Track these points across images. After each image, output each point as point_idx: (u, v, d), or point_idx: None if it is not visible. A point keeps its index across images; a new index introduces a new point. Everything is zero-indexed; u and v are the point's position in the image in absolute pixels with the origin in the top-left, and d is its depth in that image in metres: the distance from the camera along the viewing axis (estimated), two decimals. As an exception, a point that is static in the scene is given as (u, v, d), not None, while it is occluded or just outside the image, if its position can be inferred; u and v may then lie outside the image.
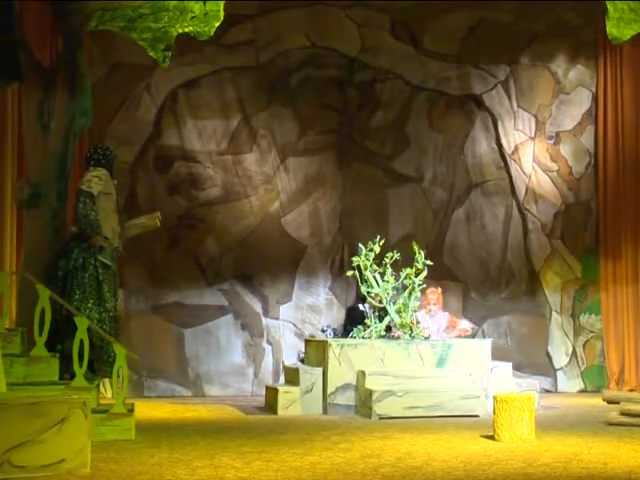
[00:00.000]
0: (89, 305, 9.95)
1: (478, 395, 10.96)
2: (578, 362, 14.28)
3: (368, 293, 11.80)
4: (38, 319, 9.33)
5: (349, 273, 11.95)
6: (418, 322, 11.78)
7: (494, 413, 8.95)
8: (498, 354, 12.42)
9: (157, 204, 13.29)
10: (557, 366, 14.23)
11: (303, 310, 13.85)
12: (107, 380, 11.23)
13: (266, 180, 13.93)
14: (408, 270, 11.76)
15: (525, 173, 14.48)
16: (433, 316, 12.06)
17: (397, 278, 11.77)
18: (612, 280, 14.07)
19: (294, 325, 13.79)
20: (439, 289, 12.41)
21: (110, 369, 9.61)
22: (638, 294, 13.84)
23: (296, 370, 11.50)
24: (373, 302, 11.75)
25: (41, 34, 11.13)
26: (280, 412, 11.11)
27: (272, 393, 11.52)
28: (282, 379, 12.81)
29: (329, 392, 11.14)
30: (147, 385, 13.28)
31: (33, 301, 9.50)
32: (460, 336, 11.94)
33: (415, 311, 11.88)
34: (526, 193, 14.44)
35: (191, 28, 11.04)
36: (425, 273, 11.78)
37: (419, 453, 8.16)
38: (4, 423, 7.00)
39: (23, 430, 7.03)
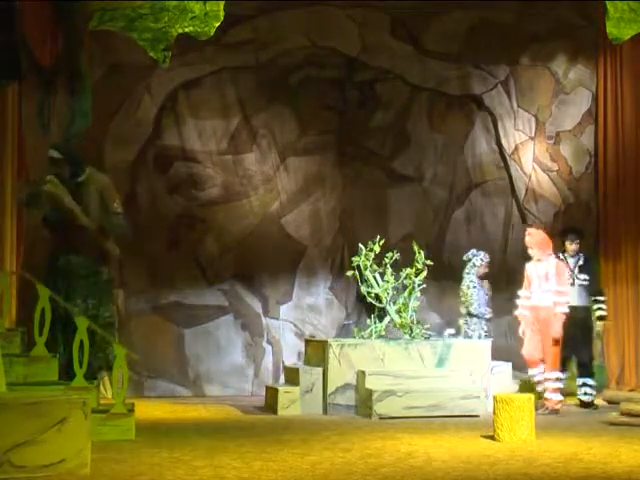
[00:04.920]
0: None
1: (478, 395, 10.96)
2: (578, 362, 14.25)
3: (368, 293, 11.82)
4: (38, 319, 9.32)
5: (349, 273, 11.95)
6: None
7: (494, 413, 8.94)
8: (498, 354, 12.41)
9: (157, 204, 13.31)
10: (557, 366, 14.21)
11: (303, 310, 13.84)
12: (107, 380, 11.23)
13: (266, 180, 13.93)
14: (408, 270, 11.77)
15: (525, 173, 14.47)
16: (541, 261, 11.03)
17: (397, 278, 11.78)
18: (612, 280, 14.04)
19: (294, 325, 13.79)
20: (538, 230, 11.48)
21: (107, 372, 9.59)
22: (638, 294, 13.81)
23: (296, 370, 11.50)
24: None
25: (41, 34, 11.10)
26: (280, 412, 11.11)
27: (272, 393, 11.52)
28: (282, 379, 12.82)
29: (329, 392, 11.13)
30: (147, 385, 13.26)
31: (33, 301, 9.49)
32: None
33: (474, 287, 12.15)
34: (526, 193, 14.44)
35: (191, 28, 11.06)
36: (425, 273, 11.80)
37: (419, 453, 8.16)
38: (4, 423, 6.99)
39: (23, 430, 7.02)
